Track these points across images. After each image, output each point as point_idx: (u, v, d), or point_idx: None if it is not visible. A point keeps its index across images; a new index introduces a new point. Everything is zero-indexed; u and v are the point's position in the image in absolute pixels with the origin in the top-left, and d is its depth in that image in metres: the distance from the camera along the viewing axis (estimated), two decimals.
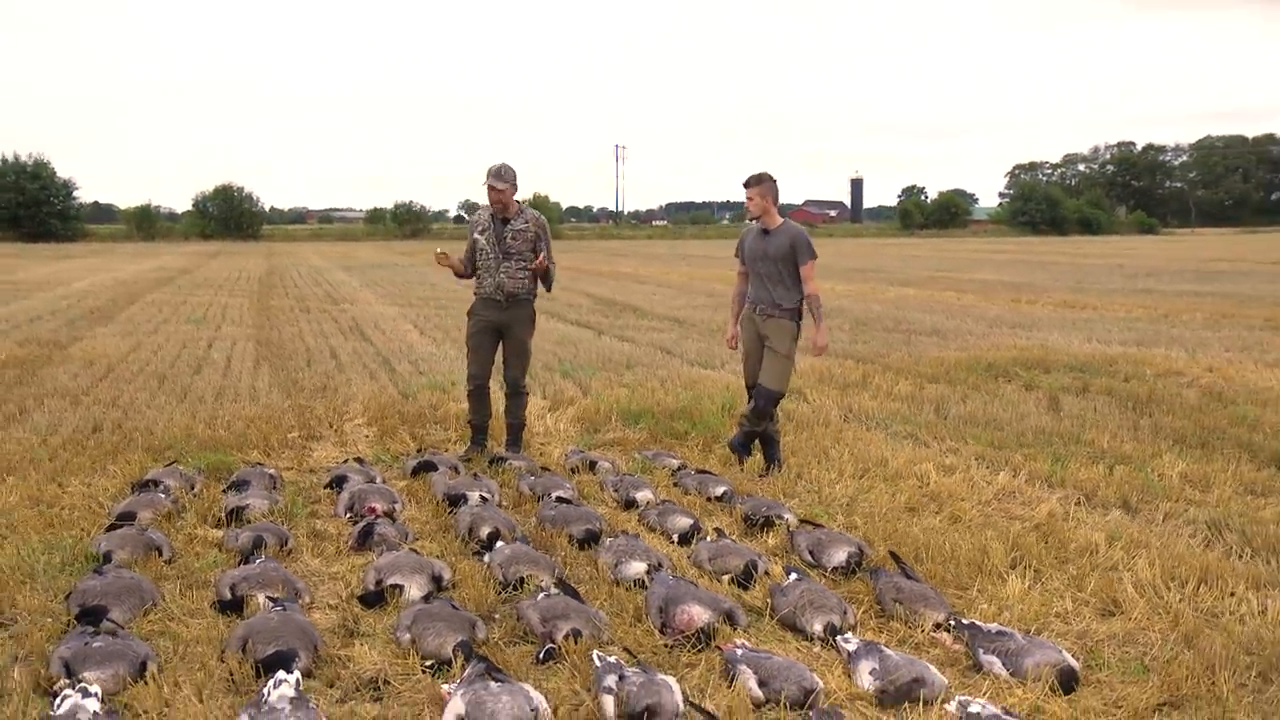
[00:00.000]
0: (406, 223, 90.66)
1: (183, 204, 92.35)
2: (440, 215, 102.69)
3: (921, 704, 4.19)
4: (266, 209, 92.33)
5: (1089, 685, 4.42)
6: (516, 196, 8.47)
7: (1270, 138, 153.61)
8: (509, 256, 8.45)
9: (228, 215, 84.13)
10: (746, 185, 8.06)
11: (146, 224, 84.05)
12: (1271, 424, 9.47)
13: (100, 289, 27.41)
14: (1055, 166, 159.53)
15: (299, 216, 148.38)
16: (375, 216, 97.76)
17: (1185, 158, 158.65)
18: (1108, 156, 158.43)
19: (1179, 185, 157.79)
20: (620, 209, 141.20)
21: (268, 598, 5.15)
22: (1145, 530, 6.48)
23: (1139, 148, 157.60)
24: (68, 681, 4.25)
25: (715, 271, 35.68)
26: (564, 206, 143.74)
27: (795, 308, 8.05)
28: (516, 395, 8.78)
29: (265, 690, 4.08)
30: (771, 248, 8.04)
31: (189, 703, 4.16)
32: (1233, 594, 5.38)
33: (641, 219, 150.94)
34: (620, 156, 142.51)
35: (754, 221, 8.23)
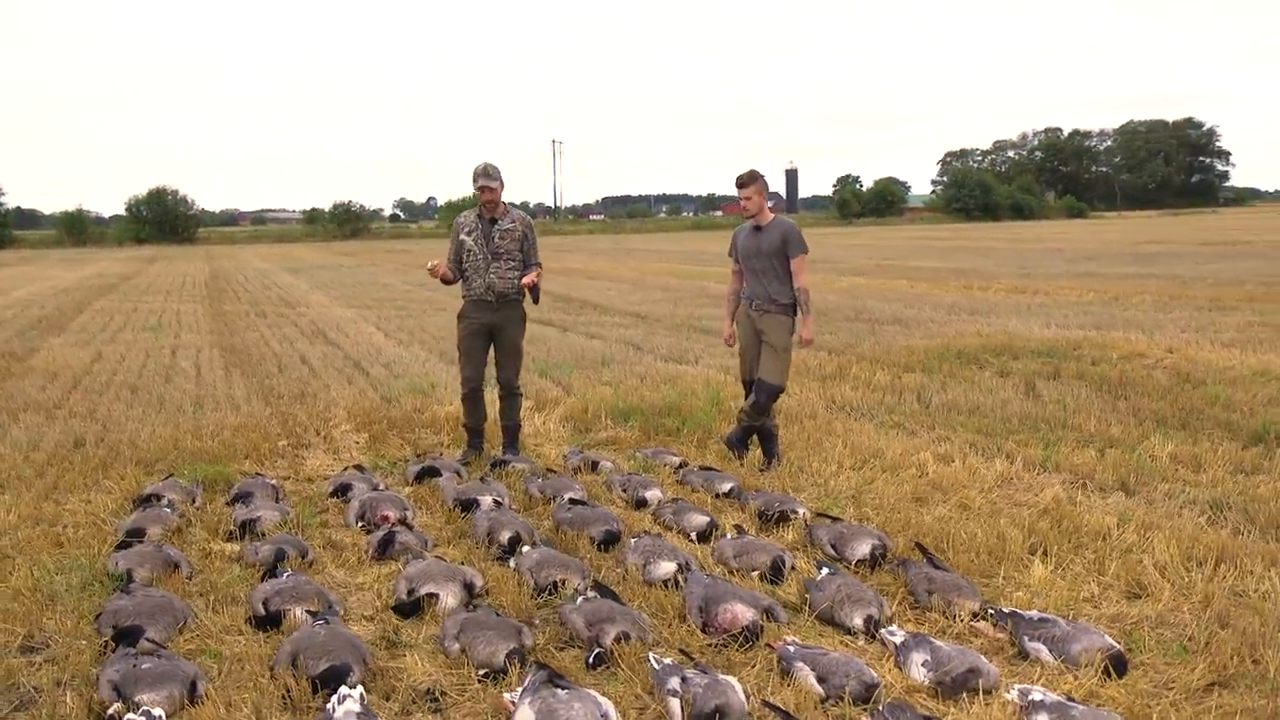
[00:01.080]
0: (346, 223, 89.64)
1: (111, 208, 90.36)
2: (376, 214, 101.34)
3: (981, 694, 4.25)
4: (199, 211, 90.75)
5: (1135, 669, 4.49)
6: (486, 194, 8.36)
7: (1190, 121, 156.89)
8: (498, 257, 8.42)
9: (162, 219, 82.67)
10: (741, 184, 8.10)
11: (77, 229, 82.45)
12: (1243, 403, 9.68)
13: (42, 297, 26.90)
14: (986, 153, 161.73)
15: (231, 218, 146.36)
16: (313, 217, 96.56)
17: (1110, 143, 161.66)
18: (1035, 143, 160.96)
19: (1104, 170, 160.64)
20: (558, 204, 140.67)
21: (307, 612, 5.11)
22: (1151, 512, 6.61)
23: (1065, 133, 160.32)
24: (121, 705, 4.19)
25: (664, 265, 35.82)
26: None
27: (790, 303, 8.12)
28: (511, 396, 8.75)
29: (330, 706, 4.06)
30: (765, 243, 8.10)
31: None
32: (1251, 573, 5.50)
33: (578, 213, 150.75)
34: (557, 151, 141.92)
35: (747, 220, 8.28)
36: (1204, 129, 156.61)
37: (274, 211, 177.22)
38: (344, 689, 4.14)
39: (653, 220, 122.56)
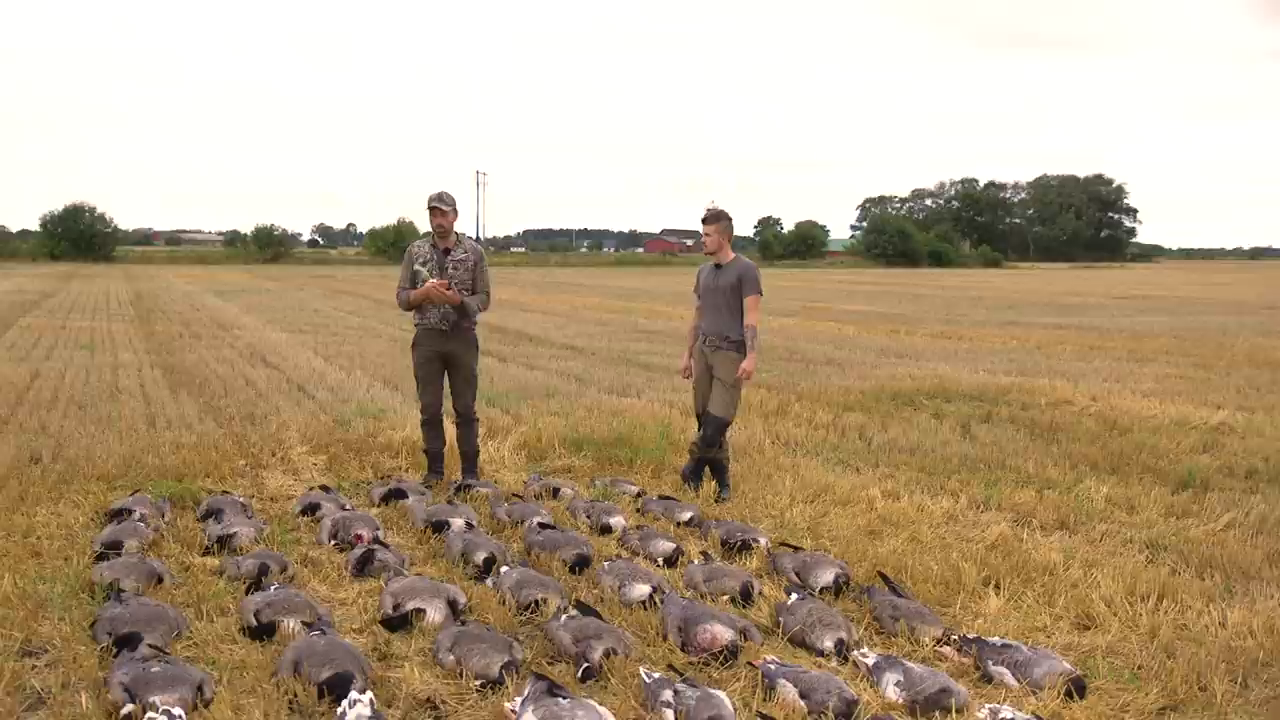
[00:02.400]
0: (268, 246, 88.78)
1: (19, 222, 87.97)
2: (295, 239, 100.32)
3: (953, 712, 4.54)
4: (116, 230, 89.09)
5: (1092, 693, 4.81)
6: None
7: (1099, 178, 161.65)
8: (451, 287, 8.52)
9: (78, 236, 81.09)
10: (705, 222, 8.42)
11: None
12: (1168, 450, 10.17)
13: None
14: (904, 200, 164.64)
15: (145, 237, 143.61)
16: (234, 239, 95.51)
17: (1023, 195, 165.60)
18: (952, 192, 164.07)
19: (1018, 221, 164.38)
20: (480, 235, 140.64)
21: (302, 623, 5.27)
22: (1093, 550, 7.00)
23: (981, 184, 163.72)
24: (135, 706, 4.32)
25: (595, 300, 36.16)
26: (422, 232, 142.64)
27: (741, 340, 8.42)
28: (468, 423, 8.87)
29: (340, 711, 4.24)
30: (722, 280, 8.42)
31: None
32: (1190, 608, 5.87)
33: (499, 245, 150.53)
34: (481, 182, 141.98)
35: (709, 257, 8.59)
36: (1113, 185, 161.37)
37: (189, 232, 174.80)
38: (354, 694, 4.32)
39: (577, 255, 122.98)
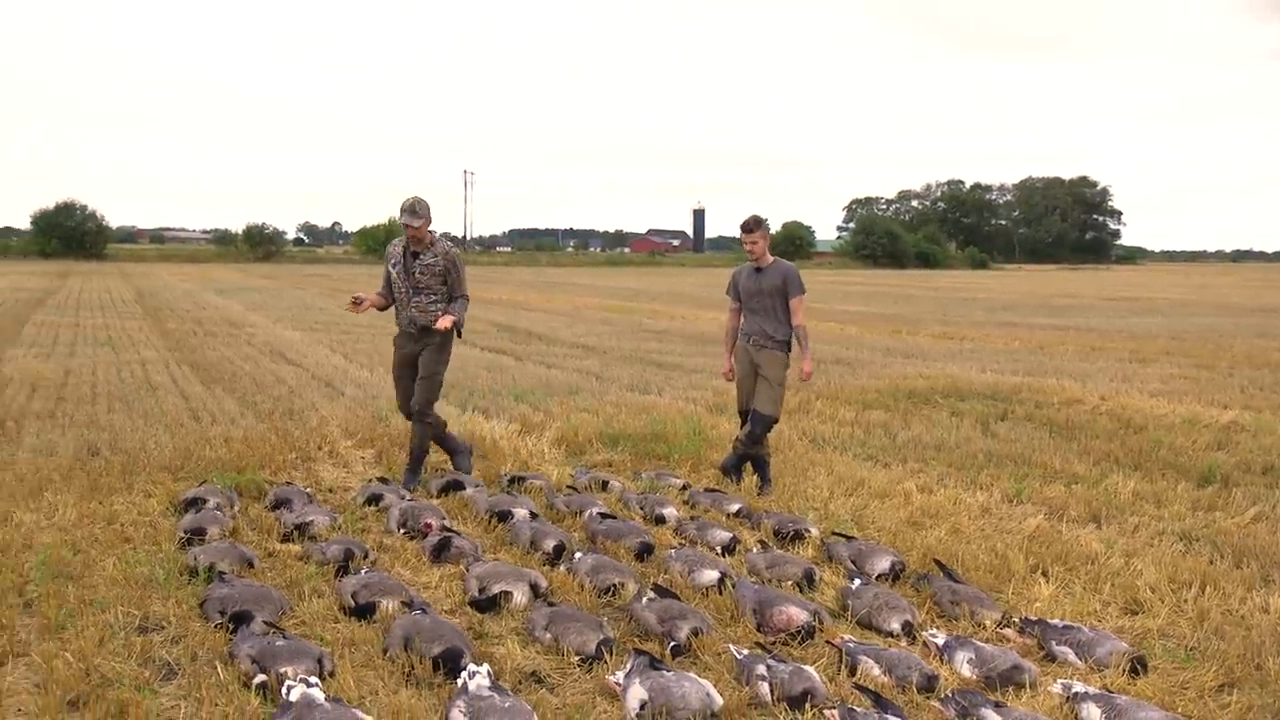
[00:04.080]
0: (259, 244, 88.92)
1: (2, 220, 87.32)
2: (279, 235, 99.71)
3: (1027, 688, 4.87)
4: (107, 228, 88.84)
5: (1151, 671, 5.14)
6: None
7: (1084, 180, 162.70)
8: (418, 291, 8.60)
9: (69, 234, 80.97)
10: (747, 229, 8.72)
11: None
12: (1185, 447, 10.51)
13: None
14: (890, 202, 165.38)
15: (129, 235, 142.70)
16: (225, 238, 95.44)
17: (1009, 197, 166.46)
18: (939, 194, 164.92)
19: (1004, 223, 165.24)
20: (468, 235, 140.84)
21: (400, 603, 5.58)
22: (1129, 541, 7.33)
23: (967, 186, 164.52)
24: (265, 677, 4.63)
25: (595, 300, 36.44)
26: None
27: (785, 339, 8.74)
28: (419, 422, 8.81)
29: (461, 682, 4.53)
30: (765, 284, 8.73)
31: (390, 694, 4.60)
32: (1232, 595, 6.19)
33: (485, 245, 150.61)
34: (469, 182, 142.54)
35: (749, 261, 8.90)
36: (1098, 188, 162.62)
37: (174, 230, 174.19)
38: (472, 665, 4.63)
39: (566, 255, 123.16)
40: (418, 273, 8.58)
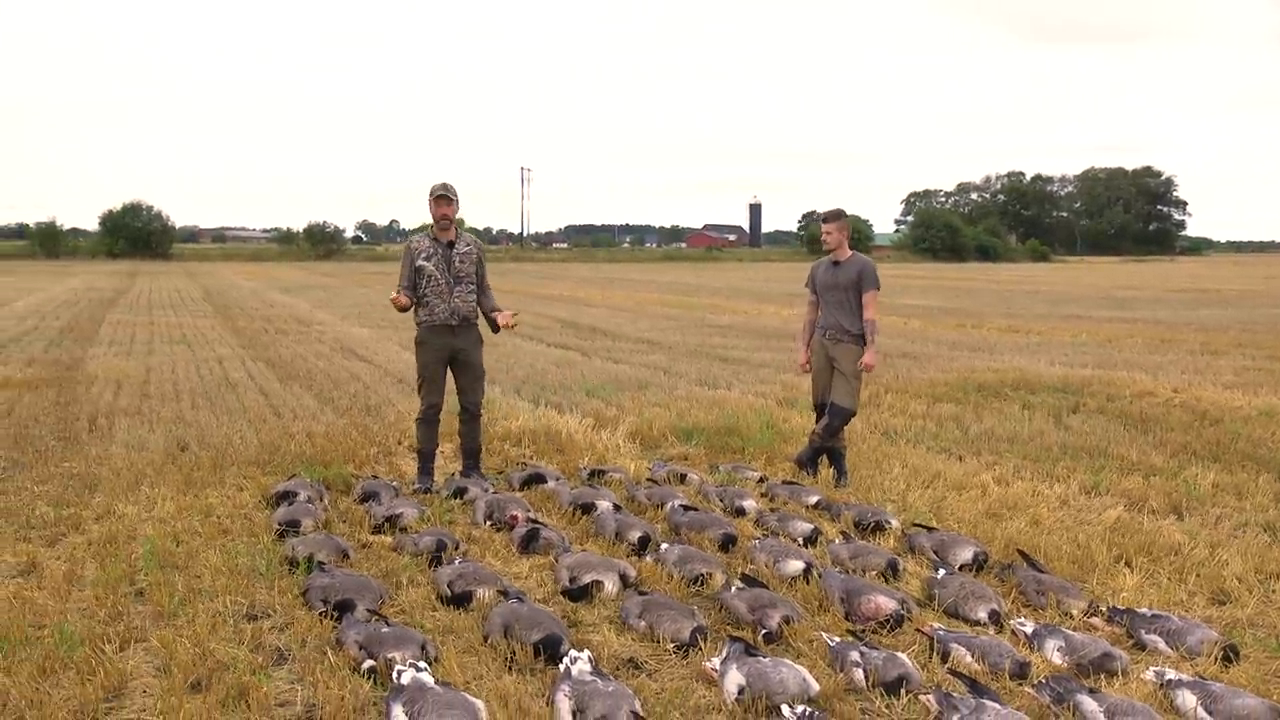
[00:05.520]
0: (320, 243, 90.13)
1: (72, 220, 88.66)
2: (340, 234, 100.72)
3: (1119, 675, 4.92)
4: (172, 228, 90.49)
5: (1243, 660, 5.17)
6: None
7: (1148, 170, 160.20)
8: (459, 281, 8.42)
9: (136, 234, 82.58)
10: (825, 220, 8.79)
11: (50, 242, 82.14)
12: (1265, 439, 10.43)
13: (46, 309, 27.31)
14: (949, 194, 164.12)
15: (191, 235, 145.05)
16: (288, 237, 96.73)
17: (1071, 188, 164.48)
18: (998, 186, 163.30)
19: (1065, 215, 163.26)
20: (525, 231, 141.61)
21: (498, 591, 5.72)
22: (1213, 532, 7.32)
23: (1028, 178, 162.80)
24: (373, 662, 4.79)
25: (655, 296, 36.55)
26: (465, 227, 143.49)
27: (860, 333, 8.80)
28: (475, 419, 8.76)
29: (564, 667, 4.66)
30: (842, 277, 8.79)
31: (494, 679, 4.74)
32: None
33: (542, 241, 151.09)
34: (526, 178, 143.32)
35: (826, 255, 8.96)
36: (1162, 178, 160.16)
37: (234, 230, 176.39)
38: (573, 651, 4.76)
39: (623, 251, 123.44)
40: (457, 261, 8.40)
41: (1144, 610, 5.57)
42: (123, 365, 15.38)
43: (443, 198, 8.28)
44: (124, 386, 13.30)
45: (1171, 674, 4.78)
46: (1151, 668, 4.93)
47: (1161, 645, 5.28)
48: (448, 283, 8.40)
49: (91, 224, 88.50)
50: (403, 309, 8.51)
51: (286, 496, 7.69)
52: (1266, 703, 4.48)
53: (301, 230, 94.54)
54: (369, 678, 4.74)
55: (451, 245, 8.42)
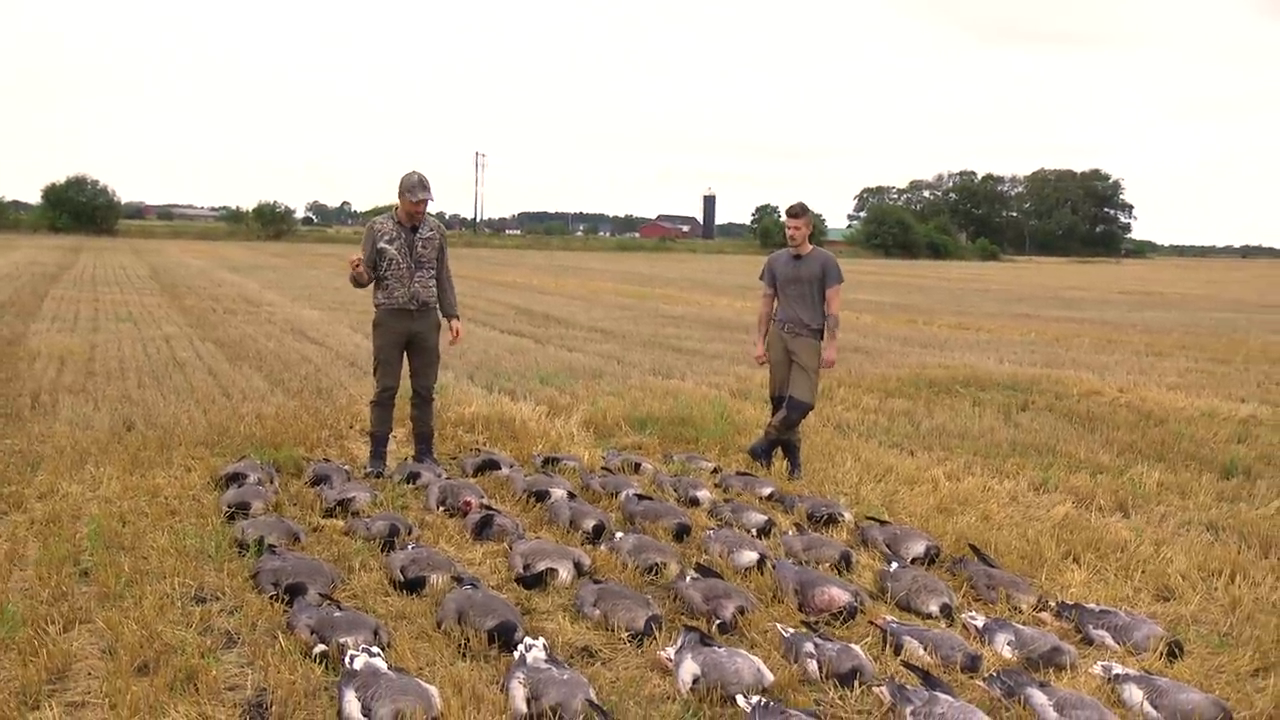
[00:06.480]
0: (270, 223, 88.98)
1: (11, 193, 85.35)
2: (290, 214, 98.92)
3: (1067, 669, 4.97)
4: (118, 203, 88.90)
5: (1186, 656, 5.24)
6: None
7: (1096, 173, 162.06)
8: (420, 266, 8.37)
9: (80, 209, 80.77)
10: (794, 215, 8.77)
11: None
12: (1206, 440, 10.59)
13: None
14: (902, 191, 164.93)
15: (137, 211, 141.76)
16: (236, 216, 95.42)
17: (1020, 189, 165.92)
18: (950, 184, 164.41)
19: (1015, 215, 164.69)
20: (479, 217, 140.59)
21: (452, 577, 5.69)
22: (1157, 530, 7.42)
23: (979, 177, 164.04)
24: (325, 646, 4.74)
25: (609, 285, 36.55)
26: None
27: (820, 327, 8.82)
28: (427, 403, 8.75)
29: (518, 654, 4.64)
30: (804, 271, 8.79)
31: (447, 666, 4.72)
32: (1262, 584, 6.28)
33: (495, 227, 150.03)
34: (480, 164, 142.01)
35: (786, 248, 8.96)
36: (1110, 181, 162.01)
37: (181, 207, 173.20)
38: (528, 639, 4.75)
39: (577, 239, 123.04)
40: (420, 246, 8.34)
41: (1092, 605, 5.64)
42: (66, 342, 15.12)
43: (419, 189, 8.19)
44: (68, 363, 13.08)
45: (1118, 669, 4.85)
46: (1099, 662, 4.98)
47: (1109, 640, 5.34)
48: (409, 267, 8.34)
49: (33, 197, 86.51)
50: (357, 280, 8.42)
51: (236, 478, 7.60)
52: (1210, 697, 4.54)
53: (251, 210, 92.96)
54: (320, 662, 4.71)
55: (415, 230, 8.35)
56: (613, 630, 5.24)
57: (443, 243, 8.58)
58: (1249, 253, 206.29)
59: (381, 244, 8.32)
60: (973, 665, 4.93)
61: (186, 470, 8.08)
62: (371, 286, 8.51)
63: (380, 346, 8.56)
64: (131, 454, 8.39)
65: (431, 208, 8.39)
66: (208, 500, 7.30)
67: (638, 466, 8.82)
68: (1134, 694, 4.64)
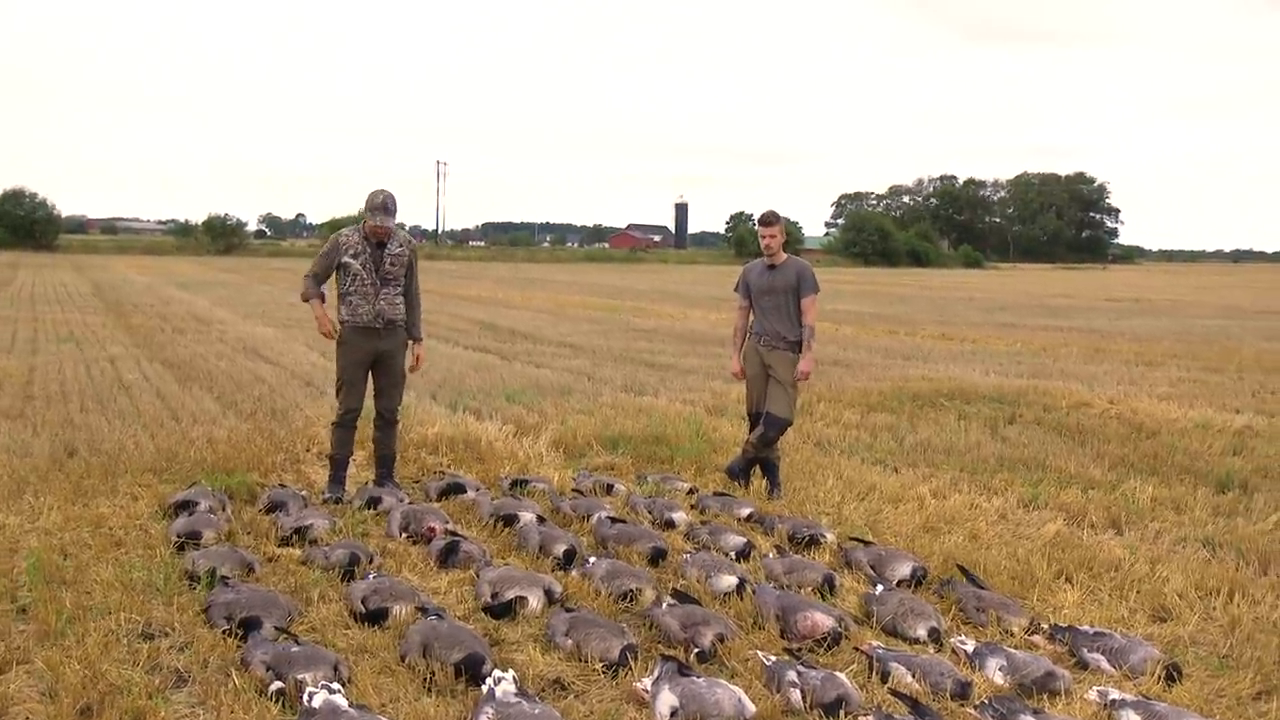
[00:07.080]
0: (220, 237, 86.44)
1: None
2: (241, 227, 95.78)
3: (1063, 694, 4.72)
4: (58, 218, 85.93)
5: (1186, 679, 4.99)
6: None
7: (1081, 176, 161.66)
8: (387, 283, 8.06)
9: (18, 223, 78.10)
10: (766, 223, 8.51)
11: None
12: (1200, 452, 10.32)
13: None
14: (881, 197, 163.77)
15: (79, 225, 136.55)
16: (184, 229, 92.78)
17: (1003, 193, 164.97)
18: (931, 189, 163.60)
19: (998, 220, 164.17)
20: (440, 228, 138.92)
21: (417, 607, 5.40)
22: (1152, 547, 7.17)
23: (960, 182, 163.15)
24: (282, 684, 4.48)
25: (577, 298, 36.26)
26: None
27: (799, 340, 8.55)
28: (392, 425, 8.43)
29: (487, 688, 4.38)
30: (779, 281, 8.53)
31: (411, 702, 4.48)
32: (1262, 602, 6.05)
33: (458, 238, 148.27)
34: (441, 173, 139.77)
35: (761, 257, 8.69)
36: (1095, 185, 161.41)
37: (126, 220, 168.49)
38: (497, 672, 4.50)
39: (543, 250, 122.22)
40: (388, 264, 8.01)
41: (1086, 628, 5.42)
42: (3, 364, 14.64)
43: (381, 213, 7.87)
44: (4, 387, 12.66)
45: (1115, 694, 4.63)
46: (1095, 687, 4.77)
47: (1104, 664, 5.11)
48: (374, 284, 8.01)
49: None
50: (327, 334, 8.25)
51: (186, 506, 7.25)
52: None
53: (200, 223, 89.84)
54: (277, 700, 4.45)
55: (383, 246, 8.01)
56: (586, 661, 4.97)
57: (413, 259, 8.25)
58: (1240, 257, 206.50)
59: (346, 258, 8.00)
60: (963, 692, 4.68)
61: (133, 499, 7.74)
62: (336, 302, 8.20)
63: (344, 366, 8.22)
64: (74, 482, 8.04)
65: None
66: (156, 530, 6.98)
67: (610, 488, 8.54)
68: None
